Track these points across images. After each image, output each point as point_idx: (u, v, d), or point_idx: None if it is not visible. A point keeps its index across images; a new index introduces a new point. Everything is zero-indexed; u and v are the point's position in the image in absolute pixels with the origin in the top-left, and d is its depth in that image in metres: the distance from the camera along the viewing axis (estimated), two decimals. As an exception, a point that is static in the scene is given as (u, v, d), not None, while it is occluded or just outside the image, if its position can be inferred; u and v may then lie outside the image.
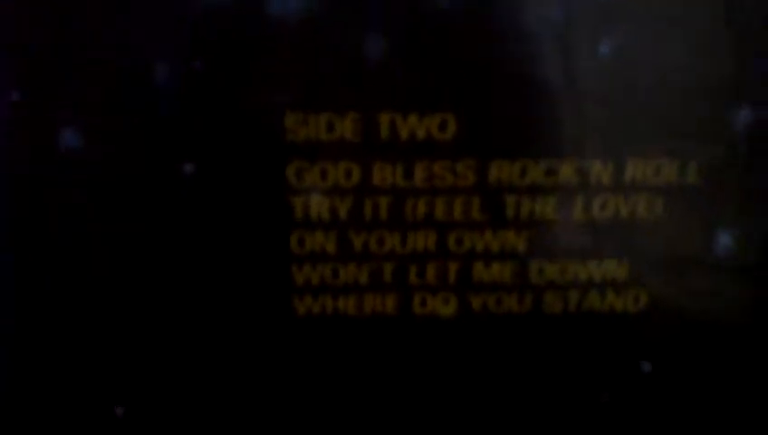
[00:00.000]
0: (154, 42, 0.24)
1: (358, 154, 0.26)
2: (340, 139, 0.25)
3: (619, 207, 0.26)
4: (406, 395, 0.28)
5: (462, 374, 0.28)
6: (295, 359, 0.27)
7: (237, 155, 0.25)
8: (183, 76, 0.25)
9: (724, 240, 0.26)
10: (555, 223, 0.26)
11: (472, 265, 0.27)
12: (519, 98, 0.25)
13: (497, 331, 0.28)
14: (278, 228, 0.26)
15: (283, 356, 0.27)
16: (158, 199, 0.26)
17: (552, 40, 0.25)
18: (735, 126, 0.25)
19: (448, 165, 0.26)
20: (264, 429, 0.28)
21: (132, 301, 0.27)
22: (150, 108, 0.25)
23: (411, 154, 0.26)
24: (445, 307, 0.28)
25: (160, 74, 0.25)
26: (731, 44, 0.25)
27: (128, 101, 0.25)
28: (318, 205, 0.26)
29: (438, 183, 0.26)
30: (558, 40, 0.25)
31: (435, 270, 0.27)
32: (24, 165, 0.25)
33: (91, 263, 0.26)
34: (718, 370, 0.28)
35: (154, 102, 0.25)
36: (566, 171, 0.26)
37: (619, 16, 0.24)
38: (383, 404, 0.28)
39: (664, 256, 0.27)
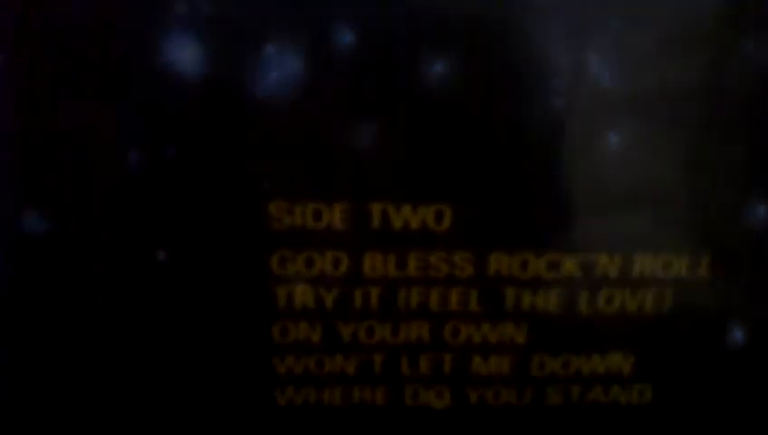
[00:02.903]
0: (128, 125, 0.22)
1: (347, 244, 0.24)
2: (327, 228, 0.24)
3: (626, 300, 0.24)
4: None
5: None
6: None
7: (217, 243, 0.24)
8: (158, 159, 0.23)
9: (736, 334, 0.25)
10: (558, 316, 0.25)
11: (470, 358, 0.25)
12: (519, 189, 0.23)
13: (494, 423, 0.26)
14: (260, 318, 0.25)
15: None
16: (132, 289, 0.24)
17: (555, 130, 0.23)
18: (747, 220, 0.24)
19: (444, 256, 0.24)
20: None
21: (105, 394, 0.25)
22: (124, 193, 0.23)
23: (405, 244, 0.24)
24: (438, 400, 0.26)
25: (136, 159, 0.23)
26: (743, 139, 0.23)
27: (97, 185, 0.23)
28: (303, 294, 0.24)
29: (433, 274, 0.24)
30: (562, 130, 0.23)
31: (429, 361, 0.25)
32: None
33: (55, 358, 0.24)
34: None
35: (128, 188, 0.23)
36: (569, 265, 0.24)
37: (626, 108, 0.23)
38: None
39: (672, 349, 0.25)
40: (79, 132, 0.23)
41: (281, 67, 0.22)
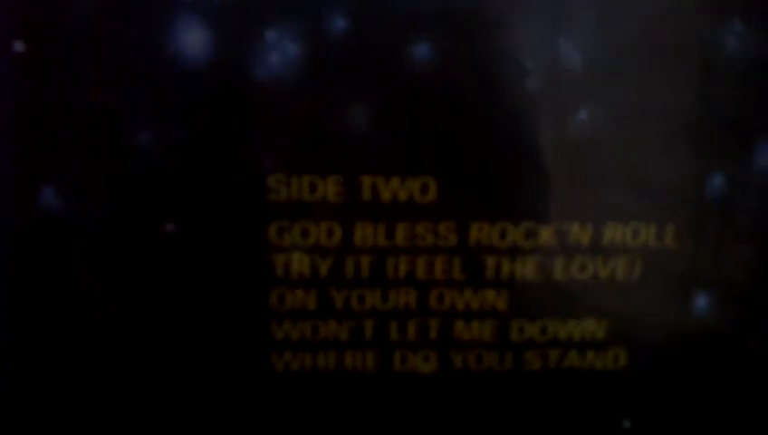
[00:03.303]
0: (138, 106, 0.24)
1: (339, 214, 0.26)
2: (322, 200, 0.25)
3: (598, 268, 0.26)
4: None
5: (442, 432, 0.28)
6: (274, 414, 0.27)
7: (220, 215, 0.25)
8: (166, 138, 0.25)
9: (701, 301, 0.27)
10: (535, 283, 0.26)
11: (453, 323, 0.27)
12: (499, 162, 0.25)
13: (477, 388, 0.28)
14: (258, 285, 0.26)
15: (262, 411, 0.27)
16: (139, 259, 0.26)
17: (530, 106, 0.25)
18: (711, 189, 0.26)
19: (430, 226, 0.26)
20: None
21: (112, 360, 0.26)
22: (131, 168, 0.25)
23: (393, 215, 0.26)
24: (425, 364, 0.28)
25: (142, 136, 0.25)
26: (707, 108, 0.25)
27: (109, 163, 0.25)
28: (299, 263, 0.26)
29: (420, 243, 0.26)
30: (536, 105, 0.25)
31: (416, 327, 0.27)
32: (4, 225, 0.25)
33: (70, 324, 0.26)
34: (697, 427, 0.28)
35: (135, 162, 0.25)
36: (545, 234, 0.26)
37: (597, 83, 0.25)
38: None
39: (643, 316, 0.27)
40: (92, 114, 0.25)
41: (280, 50, 0.24)
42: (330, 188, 0.25)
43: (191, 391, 0.27)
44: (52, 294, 0.26)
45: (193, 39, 0.24)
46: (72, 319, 0.26)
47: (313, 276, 0.26)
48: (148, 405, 0.27)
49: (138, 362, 0.26)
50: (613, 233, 0.26)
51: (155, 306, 0.26)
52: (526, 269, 0.26)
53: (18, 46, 0.24)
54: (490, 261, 0.26)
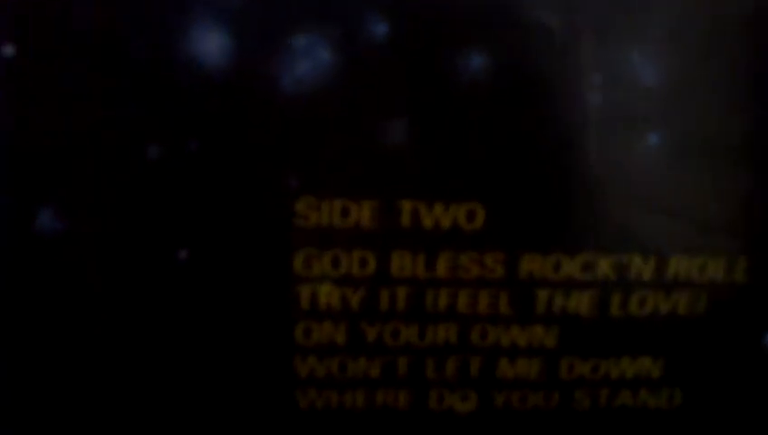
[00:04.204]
0: (149, 119, 0.22)
1: (374, 242, 0.23)
2: (355, 226, 0.23)
3: (659, 304, 0.24)
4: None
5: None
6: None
7: (239, 240, 0.23)
8: (179, 154, 0.22)
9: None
10: (589, 319, 0.24)
11: (496, 361, 0.25)
12: (554, 188, 0.23)
13: (520, 427, 0.26)
14: (282, 319, 0.24)
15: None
16: (148, 290, 0.23)
17: (591, 128, 0.22)
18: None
19: (475, 256, 0.23)
20: None
21: (126, 399, 0.24)
22: (139, 187, 0.22)
23: (434, 244, 0.23)
24: (463, 403, 0.25)
25: (157, 155, 0.22)
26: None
27: (114, 181, 0.22)
28: (327, 295, 0.24)
29: (463, 275, 0.23)
30: (599, 128, 0.22)
31: (455, 364, 0.25)
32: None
33: (71, 360, 0.23)
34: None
35: (143, 181, 0.22)
36: (603, 266, 0.23)
37: (665, 107, 0.22)
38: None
39: (704, 354, 0.25)
40: (97, 127, 0.22)
41: (309, 60, 0.21)
42: (364, 214, 0.23)
43: (211, 430, 0.25)
44: (48, 328, 0.23)
45: (210, 43, 0.21)
46: (74, 355, 0.24)
47: (344, 309, 0.24)
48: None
49: (149, 404, 0.24)
50: (677, 266, 0.24)
51: (166, 342, 0.24)
52: (581, 304, 0.24)
53: (8, 50, 0.21)
54: (542, 295, 0.24)
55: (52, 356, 0.23)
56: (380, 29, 0.21)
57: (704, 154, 0.23)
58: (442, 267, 0.23)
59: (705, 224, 0.23)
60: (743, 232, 0.23)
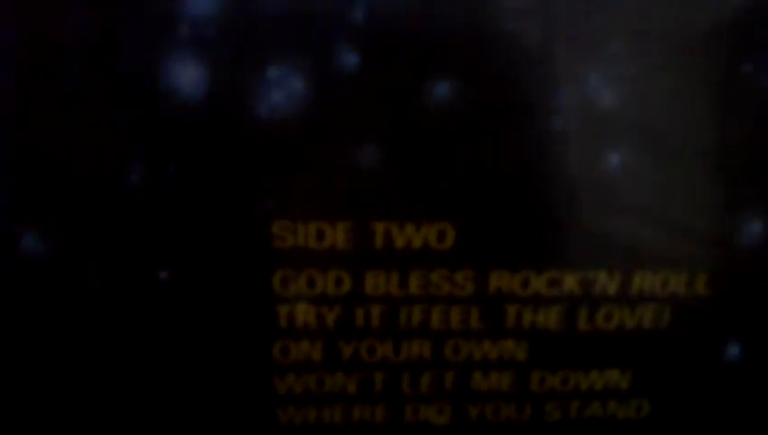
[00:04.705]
0: (130, 145, 0.22)
1: (349, 263, 0.24)
2: (330, 247, 0.24)
3: (625, 318, 0.25)
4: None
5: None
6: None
7: (218, 262, 0.23)
8: (161, 179, 0.23)
9: (733, 350, 0.25)
10: (558, 333, 0.25)
11: (469, 374, 0.25)
12: (521, 207, 0.23)
13: (494, 439, 0.26)
14: (261, 337, 0.24)
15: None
16: (130, 311, 0.24)
17: (555, 147, 0.23)
18: (745, 237, 0.24)
19: (446, 274, 0.24)
20: None
21: (109, 416, 0.24)
22: (121, 211, 0.23)
23: (406, 263, 0.24)
24: (438, 416, 0.26)
25: (138, 179, 0.23)
26: (745, 151, 0.24)
27: (98, 205, 0.23)
28: (304, 314, 0.24)
29: (435, 292, 0.24)
30: (562, 147, 0.23)
31: (429, 379, 0.25)
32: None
33: (55, 382, 0.24)
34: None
35: (125, 205, 0.23)
36: (570, 282, 0.24)
37: (627, 127, 0.23)
38: None
39: (670, 365, 0.26)
40: (79, 151, 0.22)
41: (283, 89, 0.22)
42: (338, 236, 0.23)
43: (188, 449, 0.25)
44: (33, 350, 0.24)
45: (190, 74, 0.22)
46: (58, 374, 0.24)
47: (320, 327, 0.25)
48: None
49: (131, 423, 0.25)
50: (641, 281, 0.24)
51: (147, 361, 0.24)
52: (550, 319, 0.25)
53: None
54: (511, 310, 0.25)
55: (35, 375, 0.24)
56: (351, 59, 0.22)
57: (664, 171, 0.24)
58: (414, 285, 0.24)
59: (667, 239, 0.24)
60: (702, 246, 0.24)
